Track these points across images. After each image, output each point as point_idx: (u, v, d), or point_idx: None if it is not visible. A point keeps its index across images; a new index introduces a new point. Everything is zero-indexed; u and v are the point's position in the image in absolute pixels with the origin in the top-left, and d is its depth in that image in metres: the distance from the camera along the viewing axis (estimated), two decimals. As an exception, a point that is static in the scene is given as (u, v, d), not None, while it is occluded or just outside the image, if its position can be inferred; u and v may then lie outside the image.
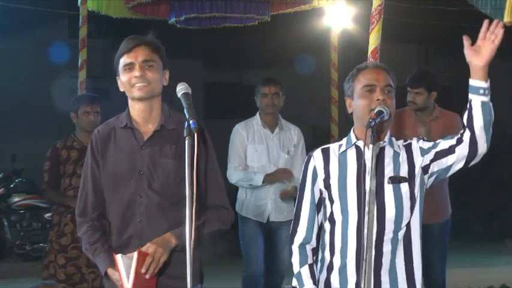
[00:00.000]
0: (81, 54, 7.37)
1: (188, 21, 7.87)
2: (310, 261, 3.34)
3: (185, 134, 3.02)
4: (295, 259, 3.36)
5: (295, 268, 3.36)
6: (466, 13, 10.52)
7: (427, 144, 3.25)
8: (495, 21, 3.10)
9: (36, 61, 13.81)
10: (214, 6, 7.57)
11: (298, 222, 3.37)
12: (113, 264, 3.25)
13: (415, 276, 3.24)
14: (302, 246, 3.36)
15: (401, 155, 3.24)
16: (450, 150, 3.19)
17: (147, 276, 3.16)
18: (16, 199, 10.35)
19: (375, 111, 3.16)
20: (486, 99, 3.08)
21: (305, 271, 3.34)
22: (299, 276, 3.34)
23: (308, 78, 14.79)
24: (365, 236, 3.11)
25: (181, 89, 3.20)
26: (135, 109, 3.36)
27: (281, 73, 16.37)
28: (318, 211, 3.34)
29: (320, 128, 14.40)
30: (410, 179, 3.21)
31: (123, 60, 3.31)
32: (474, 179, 14.84)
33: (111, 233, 3.39)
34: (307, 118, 15.42)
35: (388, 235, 3.19)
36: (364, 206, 3.14)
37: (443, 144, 3.21)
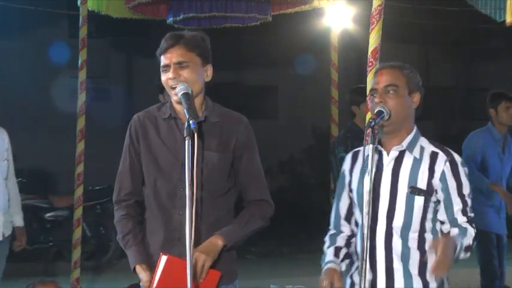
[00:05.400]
0: (81, 54, 7.36)
1: (187, 20, 7.84)
2: (338, 244, 3.38)
3: (185, 134, 3.02)
4: (325, 247, 3.43)
5: (324, 251, 3.42)
6: (466, 13, 10.51)
7: (451, 183, 3.21)
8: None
9: (36, 61, 13.79)
10: (214, 6, 7.55)
11: (330, 215, 3.48)
12: (142, 261, 3.22)
13: (429, 280, 3.25)
14: (332, 236, 3.43)
15: (422, 164, 3.21)
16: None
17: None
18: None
19: (375, 111, 3.19)
20: None
21: (330, 251, 3.39)
22: (324, 255, 3.40)
23: (308, 78, 14.77)
24: (365, 236, 3.11)
25: (181, 89, 3.20)
26: (177, 106, 3.29)
27: (281, 73, 16.41)
28: (351, 214, 3.41)
29: (320, 128, 14.39)
30: (428, 193, 3.20)
31: (161, 61, 3.27)
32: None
33: (148, 221, 3.33)
34: (307, 118, 15.43)
35: (397, 241, 3.21)
36: (377, 210, 3.21)
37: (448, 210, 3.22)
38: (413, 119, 3.32)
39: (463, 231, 3.17)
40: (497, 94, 6.46)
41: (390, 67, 3.29)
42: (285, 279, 8.59)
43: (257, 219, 3.35)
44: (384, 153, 3.26)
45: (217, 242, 3.21)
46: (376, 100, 3.21)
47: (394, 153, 3.25)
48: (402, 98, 3.23)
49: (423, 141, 3.28)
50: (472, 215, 3.22)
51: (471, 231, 3.18)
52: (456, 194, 3.19)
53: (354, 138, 6.15)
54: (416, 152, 3.24)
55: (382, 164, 3.25)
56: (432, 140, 3.33)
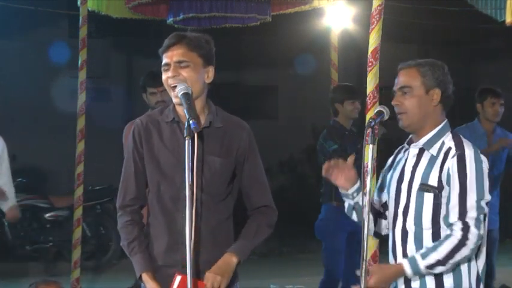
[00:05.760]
0: (81, 54, 7.37)
1: (187, 21, 7.84)
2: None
3: (185, 134, 3.01)
4: None
5: None
6: (466, 13, 10.51)
7: (454, 180, 3.16)
8: None
9: (36, 61, 13.79)
10: (214, 6, 7.55)
11: None
12: (149, 269, 3.21)
13: (443, 275, 3.23)
14: None
15: (437, 161, 3.21)
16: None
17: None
18: (16, 199, 10.32)
19: (375, 111, 3.21)
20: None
21: None
22: None
23: (308, 78, 14.77)
24: (365, 236, 3.12)
25: (181, 89, 3.19)
26: (179, 108, 3.27)
27: (281, 73, 16.40)
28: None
29: (320, 128, 14.38)
30: (439, 189, 3.18)
31: (163, 59, 3.27)
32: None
33: (152, 225, 3.31)
34: (307, 118, 15.42)
35: (411, 238, 3.23)
36: (397, 207, 3.23)
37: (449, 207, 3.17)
38: (439, 115, 3.29)
39: (438, 244, 3.11)
40: (485, 90, 6.55)
41: (407, 67, 3.31)
42: (285, 279, 8.59)
43: (264, 228, 3.36)
44: (410, 150, 3.31)
45: (231, 260, 3.22)
46: (393, 102, 3.26)
47: (413, 150, 3.28)
48: (417, 98, 3.24)
49: (447, 137, 3.26)
50: (473, 215, 3.09)
51: (451, 241, 3.08)
52: (457, 192, 3.14)
53: (337, 135, 6.17)
54: (434, 149, 3.23)
55: (406, 161, 3.27)
56: (457, 135, 3.29)
